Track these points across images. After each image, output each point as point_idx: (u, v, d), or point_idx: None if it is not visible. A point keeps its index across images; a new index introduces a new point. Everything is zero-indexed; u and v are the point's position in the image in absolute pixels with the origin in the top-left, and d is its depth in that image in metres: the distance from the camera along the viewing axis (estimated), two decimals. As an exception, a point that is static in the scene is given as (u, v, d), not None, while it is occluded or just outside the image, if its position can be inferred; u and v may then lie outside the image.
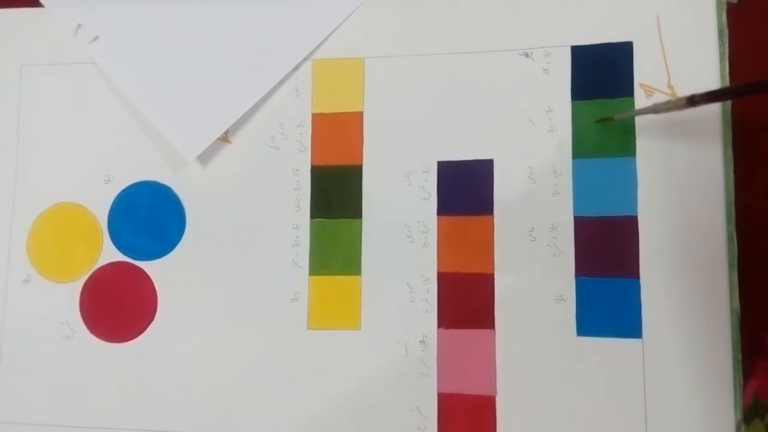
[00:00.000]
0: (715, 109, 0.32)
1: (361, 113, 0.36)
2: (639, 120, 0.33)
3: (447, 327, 0.34)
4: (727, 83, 0.32)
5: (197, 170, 0.37)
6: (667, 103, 0.31)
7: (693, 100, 0.30)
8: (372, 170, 0.35)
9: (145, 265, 0.37)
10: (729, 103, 0.32)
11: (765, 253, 0.32)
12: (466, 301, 0.34)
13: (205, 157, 0.37)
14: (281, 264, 0.35)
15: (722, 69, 0.32)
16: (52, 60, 0.39)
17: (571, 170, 0.33)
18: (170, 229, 0.37)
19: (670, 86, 0.33)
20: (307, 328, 0.35)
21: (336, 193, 0.36)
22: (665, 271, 0.32)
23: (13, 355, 0.37)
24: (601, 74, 0.34)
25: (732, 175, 0.32)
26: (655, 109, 0.31)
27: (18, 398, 0.37)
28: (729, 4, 0.33)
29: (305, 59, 0.37)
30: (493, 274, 0.34)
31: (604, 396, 0.32)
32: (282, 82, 0.37)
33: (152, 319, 0.36)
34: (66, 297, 0.37)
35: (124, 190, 0.37)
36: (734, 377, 0.31)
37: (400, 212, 0.35)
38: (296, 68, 0.37)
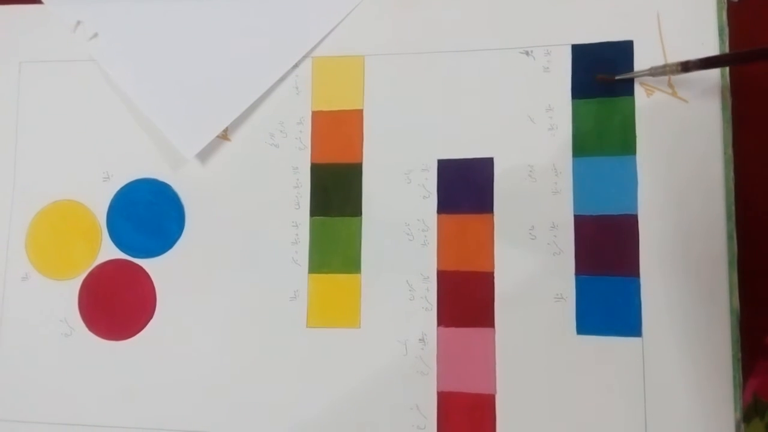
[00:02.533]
0: (715, 107, 0.32)
1: (361, 111, 0.36)
2: (639, 119, 0.33)
3: (447, 325, 0.34)
4: (727, 82, 0.32)
5: (196, 168, 0.37)
6: (663, 67, 0.32)
7: (687, 66, 0.31)
8: (372, 168, 0.35)
9: (144, 263, 0.37)
10: (730, 101, 0.32)
11: (765, 252, 0.32)
12: (465, 299, 0.34)
13: (204, 155, 0.37)
14: (281, 262, 0.35)
15: (723, 68, 0.32)
16: (51, 57, 0.39)
17: (572, 169, 0.33)
18: (169, 226, 0.37)
19: (670, 85, 0.33)
20: (307, 326, 0.35)
21: (336, 191, 0.35)
22: (665, 269, 0.32)
23: (12, 353, 0.37)
24: (602, 73, 0.34)
25: (732, 174, 0.32)
26: (652, 72, 0.32)
27: (16, 396, 0.37)
28: (730, 3, 0.33)
29: (305, 57, 0.37)
30: (492, 273, 0.34)
31: (604, 394, 0.32)
32: (282, 79, 0.37)
33: (151, 317, 0.36)
34: (65, 295, 0.37)
35: (123, 188, 0.37)
36: (734, 376, 0.31)
37: (400, 210, 0.35)
38: (296, 66, 0.37)
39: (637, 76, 0.33)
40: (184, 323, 0.36)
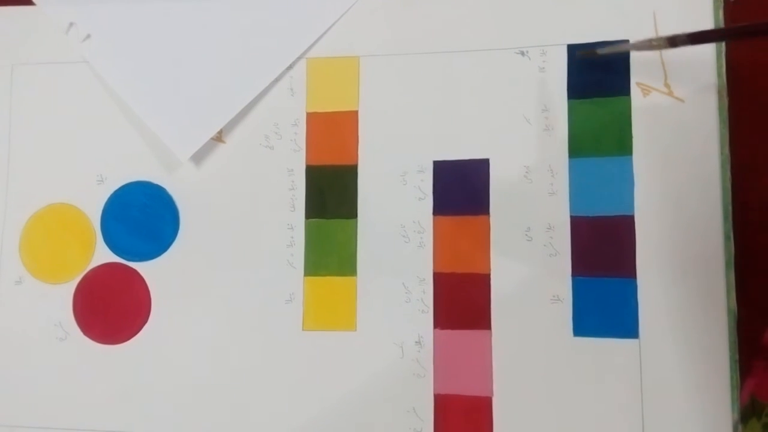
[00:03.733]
0: (712, 107, 0.32)
1: (356, 112, 0.36)
2: (636, 119, 0.33)
3: (443, 328, 0.34)
4: (724, 81, 0.32)
5: (191, 170, 0.37)
6: (648, 41, 0.31)
7: (674, 41, 0.30)
8: (367, 170, 0.35)
9: (138, 266, 0.36)
10: (726, 101, 0.32)
11: (762, 253, 0.32)
12: (462, 301, 0.33)
13: (198, 157, 0.36)
14: (276, 265, 0.35)
15: (719, 67, 0.32)
16: (43, 59, 0.39)
17: (568, 169, 0.33)
18: (164, 229, 0.36)
19: (666, 84, 0.33)
20: (302, 329, 0.35)
21: (331, 193, 0.35)
22: (662, 270, 0.32)
23: (6, 357, 0.37)
24: (598, 73, 0.33)
25: (729, 174, 0.32)
26: (635, 46, 0.32)
27: (11, 401, 0.36)
28: (726, 2, 0.33)
29: (300, 58, 0.36)
30: (489, 275, 0.33)
31: (601, 396, 0.32)
32: (276, 80, 0.36)
33: (146, 321, 0.36)
34: (59, 298, 0.37)
35: (117, 191, 0.37)
36: (731, 377, 0.31)
37: (396, 212, 0.35)
38: (291, 67, 0.36)
39: (620, 51, 0.32)
40: (179, 327, 0.36)
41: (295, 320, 0.35)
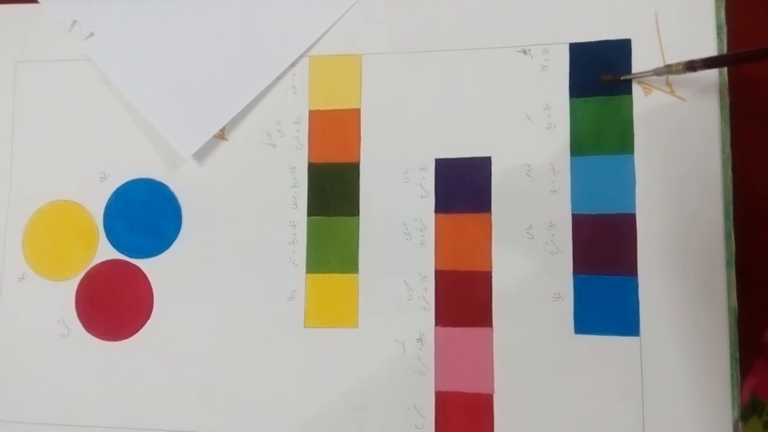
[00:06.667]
0: (713, 106, 0.32)
1: (358, 110, 0.36)
2: (638, 118, 0.33)
3: (444, 325, 0.34)
4: (725, 80, 0.32)
5: (193, 167, 0.37)
6: (667, 67, 0.32)
7: (692, 66, 0.31)
8: (369, 168, 0.35)
9: (141, 263, 0.37)
10: (728, 100, 0.32)
11: (763, 251, 0.32)
12: (463, 299, 0.34)
13: (201, 155, 0.37)
14: (278, 262, 0.35)
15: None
16: (47, 56, 0.39)
17: (570, 168, 0.33)
18: (166, 226, 0.37)
19: (668, 84, 0.33)
20: (304, 327, 0.35)
21: (333, 190, 0.35)
22: (663, 268, 0.32)
23: (9, 353, 0.37)
24: (600, 71, 0.33)
25: (730, 173, 0.32)
26: (656, 72, 0.32)
27: (13, 397, 0.37)
28: (728, 1, 0.33)
29: (302, 56, 0.36)
30: (490, 272, 0.33)
31: (602, 394, 0.32)
32: (279, 78, 0.36)
33: (148, 318, 0.36)
34: (62, 295, 0.37)
35: (120, 188, 0.37)
36: (732, 375, 0.31)
37: (398, 210, 0.35)
38: (293, 65, 0.36)
39: (642, 77, 0.33)
40: (182, 323, 0.36)
41: (297, 317, 0.35)
